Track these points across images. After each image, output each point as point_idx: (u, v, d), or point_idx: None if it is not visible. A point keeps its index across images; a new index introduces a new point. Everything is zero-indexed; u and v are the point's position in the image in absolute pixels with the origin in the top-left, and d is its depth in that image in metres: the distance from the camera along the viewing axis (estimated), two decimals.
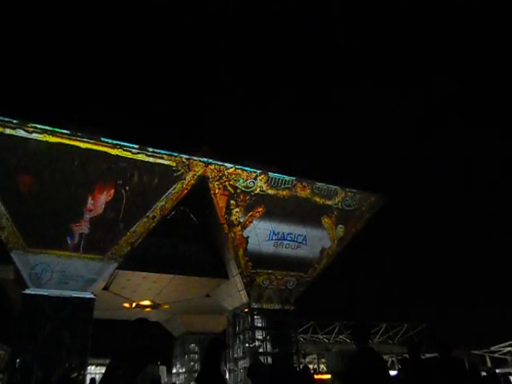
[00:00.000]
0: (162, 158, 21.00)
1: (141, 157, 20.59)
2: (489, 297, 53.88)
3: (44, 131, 18.69)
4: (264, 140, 74.78)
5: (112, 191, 20.30)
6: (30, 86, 75.66)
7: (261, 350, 24.40)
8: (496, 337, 39.30)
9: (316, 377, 29.88)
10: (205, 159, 22.07)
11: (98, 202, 20.08)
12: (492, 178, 76.90)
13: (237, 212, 23.22)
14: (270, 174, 23.76)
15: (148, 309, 30.54)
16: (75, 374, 18.43)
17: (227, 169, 22.69)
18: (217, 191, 22.65)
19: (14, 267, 19.73)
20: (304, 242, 25.29)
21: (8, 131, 18.14)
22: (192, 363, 35.41)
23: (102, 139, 19.79)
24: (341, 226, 26.19)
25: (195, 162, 21.82)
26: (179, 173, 21.44)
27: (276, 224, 24.35)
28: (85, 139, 19.44)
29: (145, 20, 79.60)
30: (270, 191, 23.87)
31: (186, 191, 21.79)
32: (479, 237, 68.92)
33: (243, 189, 23.16)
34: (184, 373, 35.88)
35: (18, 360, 18.53)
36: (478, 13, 65.53)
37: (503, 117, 75.56)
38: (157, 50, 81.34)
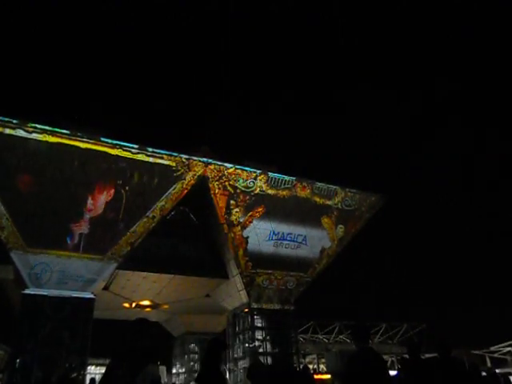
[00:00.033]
0: (162, 157, 21.01)
1: (141, 157, 20.59)
2: (489, 297, 53.97)
3: (44, 131, 18.70)
4: (264, 140, 74.84)
5: (112, 191, 20.30)
6: (30, 85, 75.70)
7: (261, 350, 24.39)
8: (496, 337, 39.36)
9: (316, 377, 29.89)
10: (205, 159, 22.07)
11: (98, 201, 20.08)
12: (492, 178, 76.96)
13: (237, 212, 23.21)
14: (269, 174, 23.76)
15: (148, 309, 30.54)
16: (75, 374, 18.43)
17: (227, 169, 22.69)
18: (217, 191, 22.65)
19: (13, 267, 19.72)
20: (304, 242, 25.29)
21: (8, 131, 18.15)
22: (192, 363, 35.42)
23: (102, 139, 19.81)
24: (341, 226, 26.20)
25: (195, 162, 21.82)
26: (179, 173, 21.44)
27: (276, 224, 24.35)
28: (85, 139, 19.46)
29: (145, 20, 79.63)
30: (269, 191, 23.87)
31: (185, 191, 21.79)
32: (479, 237, 69.01)
33: (243, 189, 23.16)
34: (184, 373, 35.89)
35: (17, 360, 18.55)
36: (478, 13, 65.55)
37: (503, 117, 75.61)
38: (157, 50, 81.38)
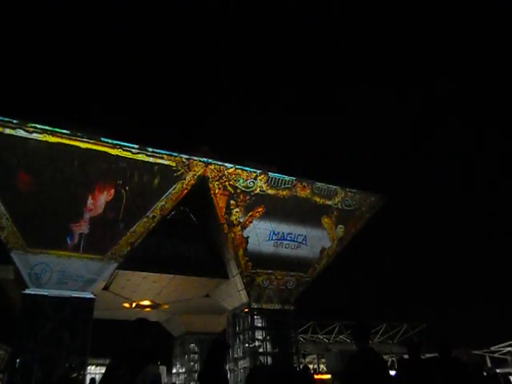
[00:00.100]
0: (162, 157, 21.00)
1: (141, 157, 20.58)
2: (489, 297, 54.02)
3: (44, 131, 18.69)
4: (264, 140, 74.88)
5: (112, 191, 20.29)
6: (30, 85, 75.68)
7: (261, 350, 24.39)
8: (496, 337, 39.38)
9: (316, 377, 29.88)
10: (205, 159, 22.06)
11: (98, 201, 20.07)
12: (492, 178, 76.98)
13: (237, 212, 23.21)
14: (269, 174, 23.75)
15: (148, 309, 30.53)
16: (75, 374, 18.42)
17: (227, 169, 22.69)
18: (217, 191, 22.64)
19: (13, 267, 19.74)
20: (304, 242, 25.29)
21: (8, 131, 18.14)
22: (192, 363, 35.39)
23: (102, 139, 19.79)
24: (341, 226, 26.19)
25: (195, 162, 21.81)
26: (179, 173, 21.44)
27: (276, 224, 24.35)
28: (85, 139, 19.45)
29: (145, 20, 79.63)
30: (269, 191, 23.86)
31: (185, 191, 21.79)
32: (479, 237, 69.01)
33: (243, 189, 23.15)
34: (184, 373, 35.86)
35: (17, 360, 18.55)
36: (478, 13, 65.53)
37: (503, 117, 75.60)
38: (157, 50, 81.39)
